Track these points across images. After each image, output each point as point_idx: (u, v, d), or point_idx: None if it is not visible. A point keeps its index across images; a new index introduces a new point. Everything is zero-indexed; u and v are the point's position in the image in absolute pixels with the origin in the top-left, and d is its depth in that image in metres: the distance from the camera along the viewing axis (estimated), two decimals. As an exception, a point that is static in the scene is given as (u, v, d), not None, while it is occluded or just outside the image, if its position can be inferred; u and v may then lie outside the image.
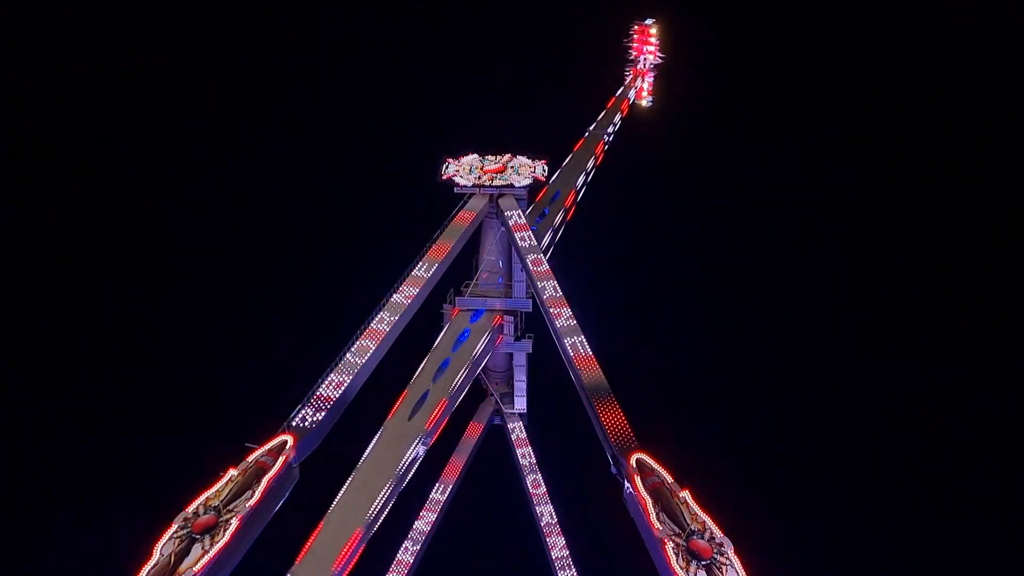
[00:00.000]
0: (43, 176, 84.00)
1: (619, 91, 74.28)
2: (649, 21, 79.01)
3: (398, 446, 37.47)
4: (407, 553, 53.16)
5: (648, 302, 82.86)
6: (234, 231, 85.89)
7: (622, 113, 70.48)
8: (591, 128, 66.36)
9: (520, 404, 56.94)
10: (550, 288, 44.21)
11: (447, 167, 51.12)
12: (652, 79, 79.32)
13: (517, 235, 47.75)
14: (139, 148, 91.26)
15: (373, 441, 37.80)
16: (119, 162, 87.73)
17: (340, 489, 35.36)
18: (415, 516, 54.28)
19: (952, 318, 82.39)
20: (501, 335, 50.26)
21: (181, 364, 73.26)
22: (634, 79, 77.41)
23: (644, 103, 78.38)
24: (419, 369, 42.89)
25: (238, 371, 70.43)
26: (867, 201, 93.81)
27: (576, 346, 40.53)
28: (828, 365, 78.21)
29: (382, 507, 35.36)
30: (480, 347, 46.47)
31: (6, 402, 66.69)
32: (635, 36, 79.46)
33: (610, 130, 66.96)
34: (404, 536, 53.85)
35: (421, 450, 39.05)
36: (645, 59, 78.79)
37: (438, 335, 47.09)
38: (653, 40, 79.10)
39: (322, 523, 33.41)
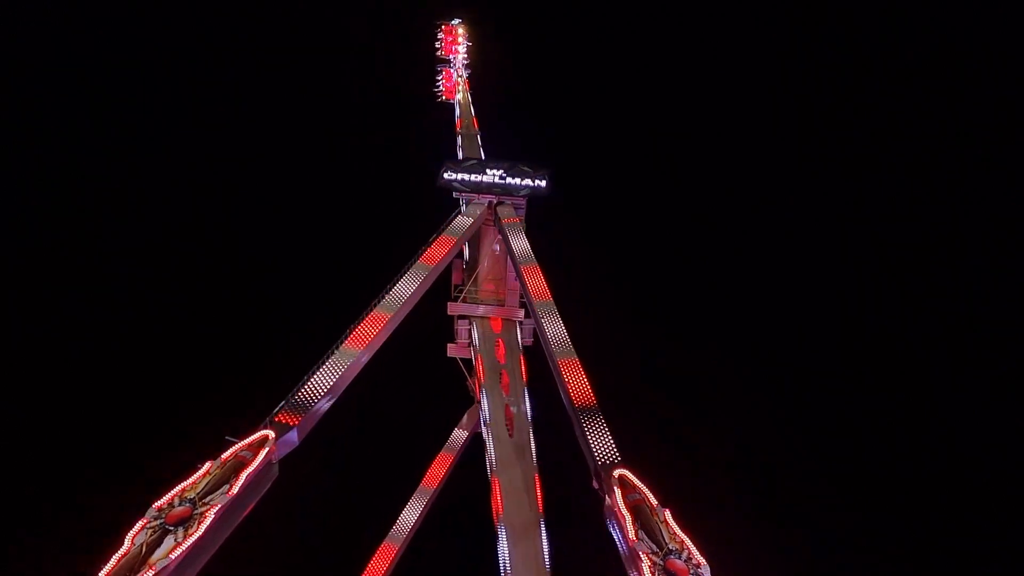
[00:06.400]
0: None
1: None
2: (456, 21, 77.67)
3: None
4: (383, 559, 52.63)
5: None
6: (229, 230, 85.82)
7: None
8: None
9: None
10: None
11: (445, 172, 51.01)
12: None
13: (514, 244, 47.71)
14: (129, 145, 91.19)
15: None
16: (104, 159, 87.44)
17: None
18: (393, 522, 53.85)
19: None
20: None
21: (166, 357, 72.96)
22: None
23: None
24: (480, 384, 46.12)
25: (224, 365, 70.22)
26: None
27: (565, 358, 40.32)
28: (815, 382, 78.76)
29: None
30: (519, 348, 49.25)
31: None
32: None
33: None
34: (380, 541, 53.29)
35: None
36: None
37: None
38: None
39: None
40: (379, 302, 41.76)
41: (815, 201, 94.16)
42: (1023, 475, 70.24)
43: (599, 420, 36.60)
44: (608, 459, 34.78)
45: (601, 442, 35.65)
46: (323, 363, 37.41)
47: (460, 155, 57.56)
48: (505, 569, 38.35)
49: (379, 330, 39.98)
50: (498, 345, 49.52)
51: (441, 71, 75.72)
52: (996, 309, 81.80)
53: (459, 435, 56.55)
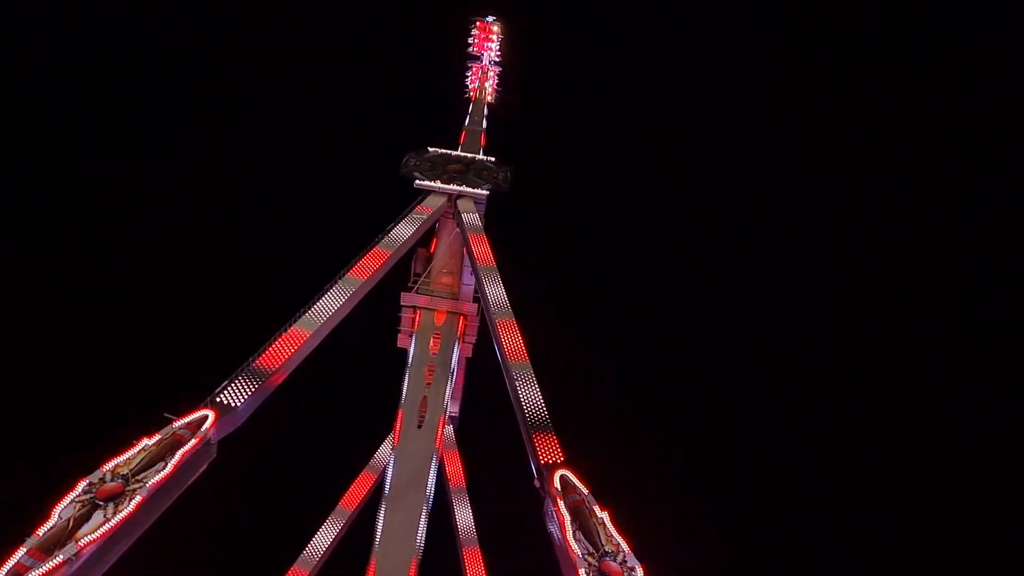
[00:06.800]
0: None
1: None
2: (490, 18, 78.61)
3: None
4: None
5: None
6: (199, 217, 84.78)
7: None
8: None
9: (453, 407, 56.55)
10: (497, 293, 44.05)
11: (408, 161, 50.65)
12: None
13: (464, 217, 48.05)
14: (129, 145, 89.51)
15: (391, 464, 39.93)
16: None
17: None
18: (316, 528, 51.80)
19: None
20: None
21: (114, 331, 71.69)
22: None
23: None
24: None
25: (172, 340, 69.14)
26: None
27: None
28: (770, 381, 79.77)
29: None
30: (455, 348, 48.48)
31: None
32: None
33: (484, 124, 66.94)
34: (300, 550, 51.08)
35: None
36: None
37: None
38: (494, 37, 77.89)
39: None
40: (333, 285, 40.51)
41: (815, 201, 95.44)
42: (1023, 475, 71.70)
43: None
44: (551, 457, 34.75)
45: (545, 439, 35.63)
46: (271, 343, 36.49)
47: (459, 149, 57.41)
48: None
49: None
50: (435, 337, 49.09)
51: (471, 68, 76.61)
52: (996, 309, 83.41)
53: (385, 452, 54.03)
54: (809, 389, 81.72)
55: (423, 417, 45.12)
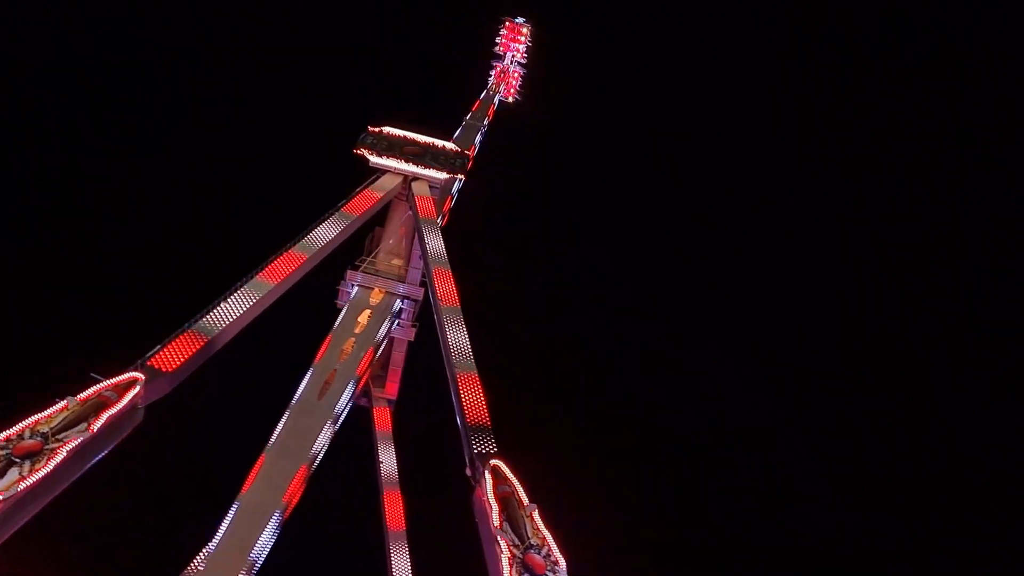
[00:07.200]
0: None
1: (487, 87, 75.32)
2: (520, 20, 79.55)
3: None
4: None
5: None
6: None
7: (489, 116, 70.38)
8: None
9: (391, 390, 56.27)
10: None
11: (364, 138, 50.19)
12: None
13: (423, 223, 47.19)
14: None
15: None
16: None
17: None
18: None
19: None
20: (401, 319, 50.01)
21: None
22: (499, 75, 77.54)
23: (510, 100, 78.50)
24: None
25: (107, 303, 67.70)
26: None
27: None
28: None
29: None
30: (383, 328, 46.89)
31: None
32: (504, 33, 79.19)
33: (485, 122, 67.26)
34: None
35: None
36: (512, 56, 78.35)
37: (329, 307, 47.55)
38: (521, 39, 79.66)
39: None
40: (275, 259, 39.61)
41: (815, 201, 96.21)
42: (1023, 475, 72.74)
43: (482, 407, 36.81)
44: (484, 448, 34.74)
45: (480, 429, 35.63)
46: (207, 312, 35.93)
47: (453, 139, 56.90)
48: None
49: (274, 285, 36.75)
50: (366, 315, 47.56)
51: (494, 67, 76.70)
52: (996, 309, 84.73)
53: None
54: (809, 389, 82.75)
55: (327, 388, 42.83)
